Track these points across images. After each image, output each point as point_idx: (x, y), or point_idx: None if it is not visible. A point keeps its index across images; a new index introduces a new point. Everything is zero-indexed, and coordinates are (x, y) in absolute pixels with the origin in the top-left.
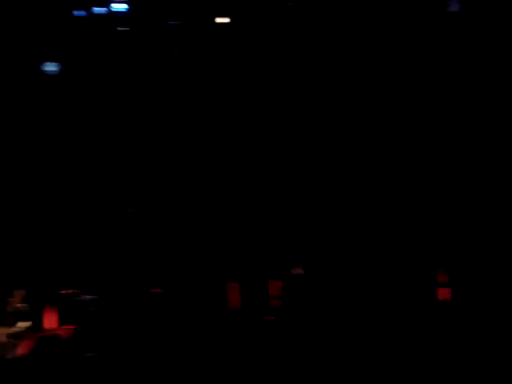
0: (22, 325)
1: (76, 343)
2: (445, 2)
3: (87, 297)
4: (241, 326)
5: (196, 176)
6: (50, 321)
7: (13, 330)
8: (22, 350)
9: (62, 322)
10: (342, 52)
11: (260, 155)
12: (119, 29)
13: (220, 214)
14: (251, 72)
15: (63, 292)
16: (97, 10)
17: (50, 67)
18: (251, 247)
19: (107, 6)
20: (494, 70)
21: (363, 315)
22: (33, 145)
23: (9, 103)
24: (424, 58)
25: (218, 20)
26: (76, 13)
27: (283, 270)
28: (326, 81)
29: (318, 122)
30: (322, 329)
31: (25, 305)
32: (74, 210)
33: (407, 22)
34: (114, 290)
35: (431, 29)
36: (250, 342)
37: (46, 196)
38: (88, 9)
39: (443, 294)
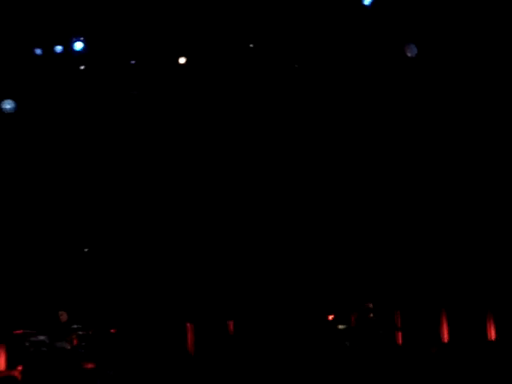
0: None
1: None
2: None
3: (40, 337)
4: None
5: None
6: None
7: None
8: None
9: (13, 362)
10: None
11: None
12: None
13: None
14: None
15: (16, 332)
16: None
17: (7, 105)
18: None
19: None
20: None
21: None
22: None
23: None
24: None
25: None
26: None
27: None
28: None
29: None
30: None
31: None
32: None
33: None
34: (66, 331)
35: None
36: None
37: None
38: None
39: None
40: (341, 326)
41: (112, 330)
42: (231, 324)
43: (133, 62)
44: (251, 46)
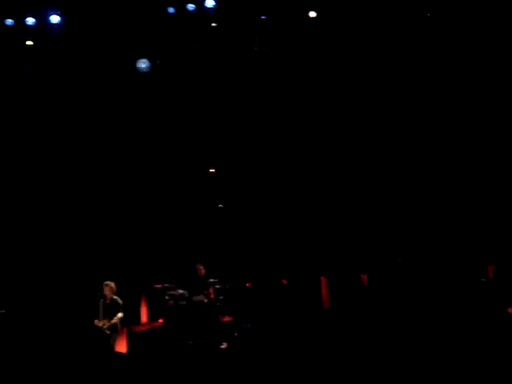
0: (117, 317)
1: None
2: None
3: (179, 291)
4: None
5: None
6: (142, 314)
7: (111, 322)
8: (118, 346)
9: (153, 315)
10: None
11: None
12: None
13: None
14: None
15: (156, 286)
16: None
17: (142, 64)
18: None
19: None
20: None
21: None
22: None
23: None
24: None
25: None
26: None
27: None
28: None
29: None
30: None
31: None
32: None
33: None
34: (203, 284)
35: None
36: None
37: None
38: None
39: None
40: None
41: (248, 284)
42: (365, 277)
43: (263, 17)
44: None
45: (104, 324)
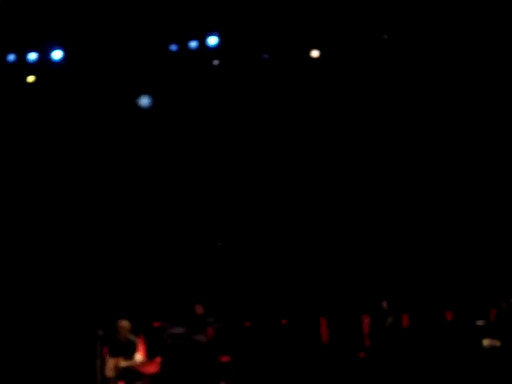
0: (137, 359)
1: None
2: None
3: (177, 329)
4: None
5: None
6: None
7: (131, 362)
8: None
9: (152, 353)
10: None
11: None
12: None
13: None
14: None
15: (155, 324)
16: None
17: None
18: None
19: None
20: None
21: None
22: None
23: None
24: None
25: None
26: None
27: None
28: None
29: None
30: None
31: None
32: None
33: None
34: (202, 324)
35: None
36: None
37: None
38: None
39: None
40: (480, 323)
41: (246, 324)
42: (366, 318)
43: (266, 56)
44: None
45: (118, 363)
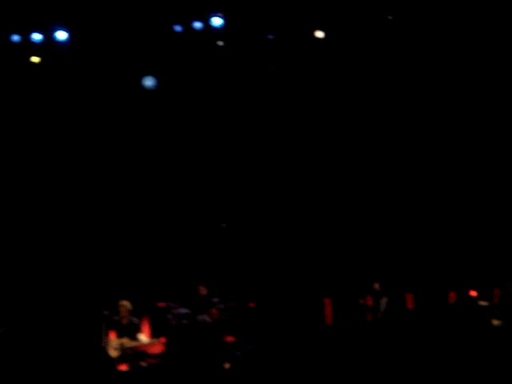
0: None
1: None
2: None
3: (182, 310)
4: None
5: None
6: (144, 333)
7: (134, 342)
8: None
9: (156, 333)
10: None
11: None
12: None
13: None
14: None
15: (159, 304)
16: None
17: (148, 82)
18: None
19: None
20: None
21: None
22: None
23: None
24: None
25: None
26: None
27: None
28: None
29: None
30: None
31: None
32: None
33: None
34: (207, 304)
35: None
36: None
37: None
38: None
39: None
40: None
41: (251, 304)
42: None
43: (271, 36)
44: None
45: (122, 343)
